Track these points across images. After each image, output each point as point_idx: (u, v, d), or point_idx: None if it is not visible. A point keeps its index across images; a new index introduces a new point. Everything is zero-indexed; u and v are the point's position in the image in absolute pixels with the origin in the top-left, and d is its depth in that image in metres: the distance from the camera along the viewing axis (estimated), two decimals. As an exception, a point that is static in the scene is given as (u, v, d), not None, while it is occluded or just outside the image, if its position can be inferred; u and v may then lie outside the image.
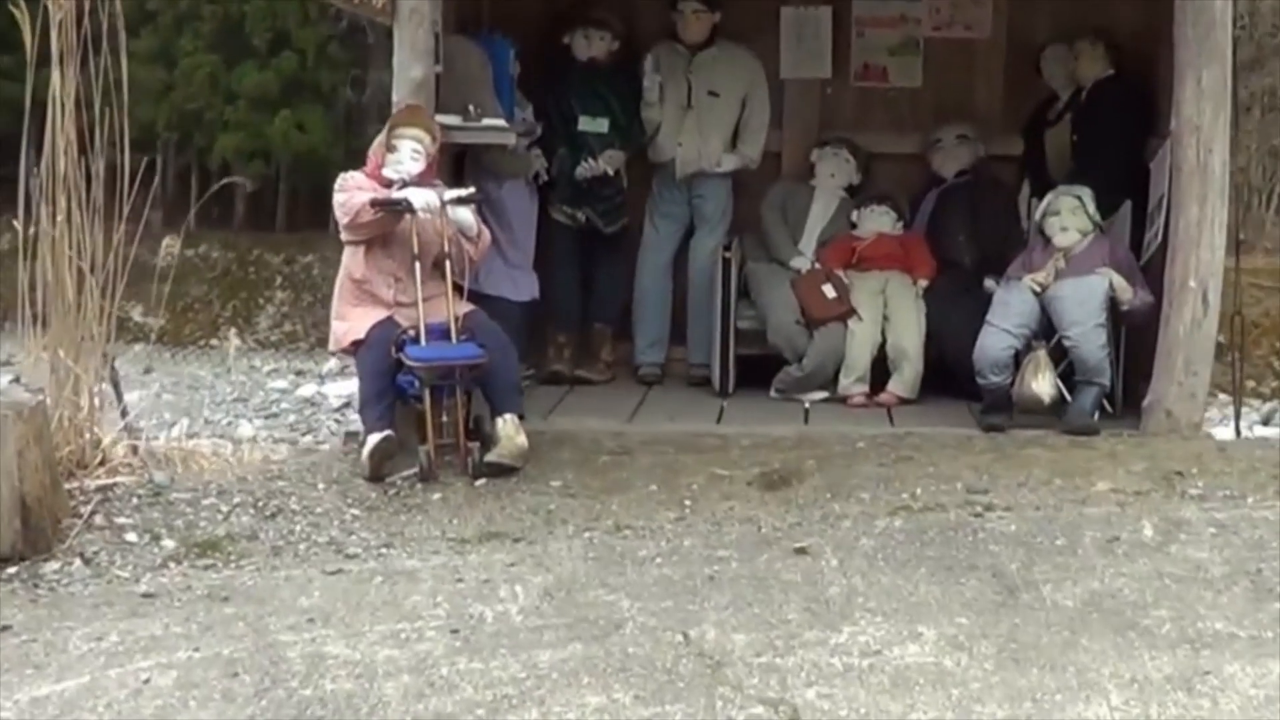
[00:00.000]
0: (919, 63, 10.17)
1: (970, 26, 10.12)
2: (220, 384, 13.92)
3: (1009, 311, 8.51)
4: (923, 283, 9.46)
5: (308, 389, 13.08)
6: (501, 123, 8.76)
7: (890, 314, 9.32)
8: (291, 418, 11.73)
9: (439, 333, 7.78)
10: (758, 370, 9.51)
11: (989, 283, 8.83)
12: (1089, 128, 9.29)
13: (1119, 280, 8.51)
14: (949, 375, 9.25)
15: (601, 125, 9.66)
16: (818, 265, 9.53)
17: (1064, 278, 8.59)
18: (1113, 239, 8.84)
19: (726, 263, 9.39)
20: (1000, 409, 8.49)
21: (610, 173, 9.65)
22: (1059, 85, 9.72)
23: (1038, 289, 8.56)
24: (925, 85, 10.18)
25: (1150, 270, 8.69)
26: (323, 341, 16.83)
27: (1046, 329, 8.54)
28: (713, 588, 6.25)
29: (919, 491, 7.34)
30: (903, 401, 9.24)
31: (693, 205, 9.90)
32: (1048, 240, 8.81)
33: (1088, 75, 9.41)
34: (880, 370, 9.33)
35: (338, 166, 16.85)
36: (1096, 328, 8.39)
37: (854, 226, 9.73)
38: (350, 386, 12.84)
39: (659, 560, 6.60)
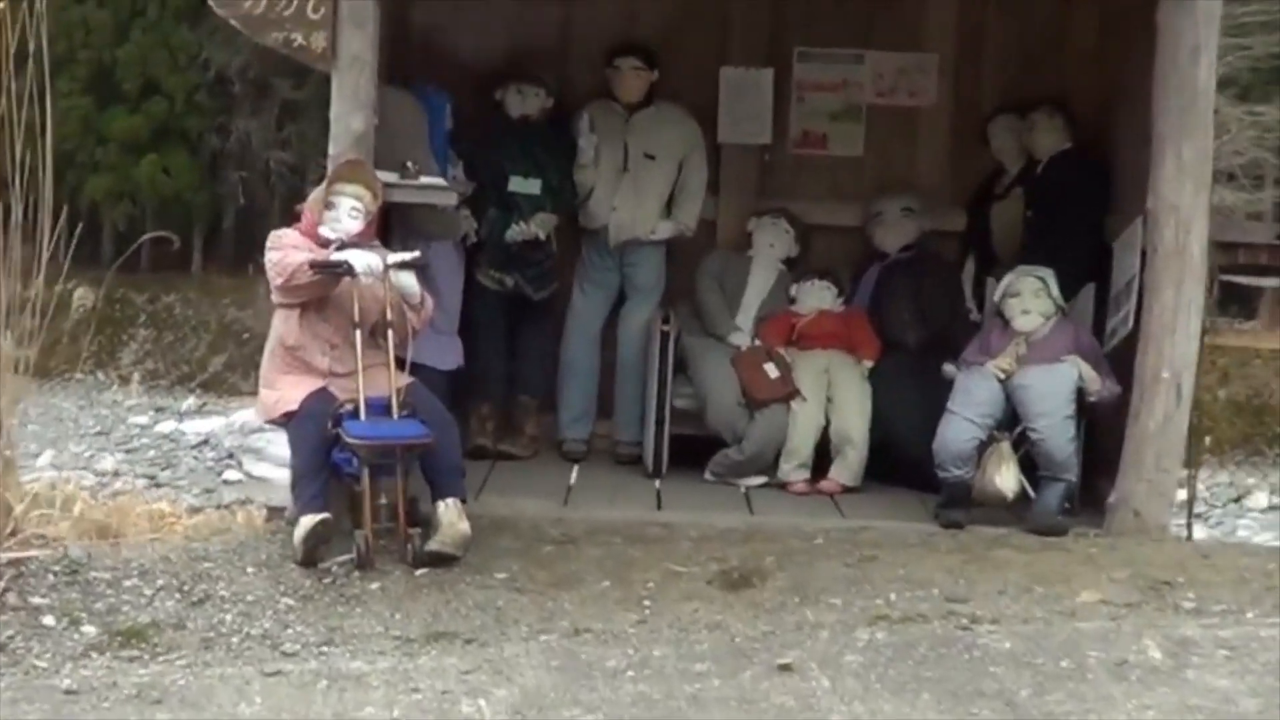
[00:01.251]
0: (861, 130, 9.77)
1: (915, 94, 9.74)
2: (84, 416, 13.72)
3: (971, 399, 8.10)
4: (867, 363, 9.04)
5: (167, 425, 13.21)
6: (441, 182, 8.25)
7: (834, 396, 8.88)
8: (151, 453, 11.81)
9: (379, 407, 7.25)
10: (690, 450, 9.04)
11: (948, 368, 8.41)
12: (1046, 203, 8.94)
13: (1088, 370, 8.14)
14: (893, 461, 8.84)
15: (533, 186, 9.15)
16: (758, 342, 9.07)
17: (1028, 364, 8.19)
18: (1076, 323, 8.46)
19: (664, 337, 8.91)
20: (960, 503, 8.08)
21: (541, 237, 9.15)
22: (1008, 157, 9.37)
23: (1002, 375, 8.15)
24: (867, 154, 9.79)
25: (1113, 358, 8.33)
26: (183, 379, 16.91)
27: (1010, 419, 8.13)
28: (698, 710, 5.79)
29: (894, 598, 6.89)
30: (846, 489, 8.81)
31: (625, 273, 9.42)
32: (1007, 323, 8.41)
33: (1044, 148, 9.06)
34: (822, 455, 8.87)
35: (202, 210, 17.23)
36: (1065, 420, 8.01)
37: (792, 301, 9.28)
38: (209, 424, 12.67)
39: (630, 673, 6.11)
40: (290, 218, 7.80)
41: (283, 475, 7.78)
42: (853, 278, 9.44)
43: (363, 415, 7.18)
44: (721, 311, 9.21)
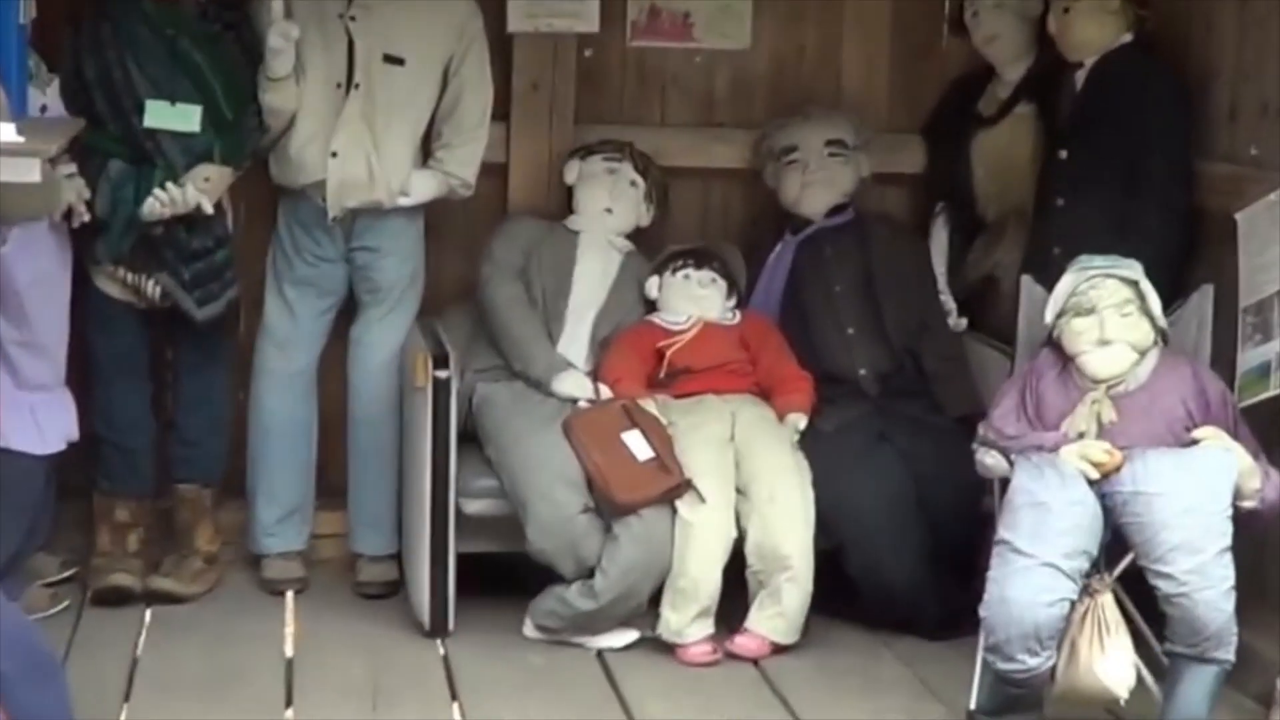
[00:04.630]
0: (747, 7, 5.83)
1: (834, -54, 5.85)
2: None
3: (1050, 525, 4.31)
4: (797, 419, 5.20)
5: None
6: (11, 132, 4.15)
7: (749, 485, 5.03)
8: None
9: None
10: (491, 569, 5.16)
11: (992, 461, 4.59)
12: (1098, 137, 5.18)
13: (1245, 458, 4.42)
14: (840, 576, 5.14)
15: (188, 118, 5.09)
16: (606, 388, 5.17)
17: (1125, 443, 4.45)
18: (1191, 361, 4.74)
19: (439, 389, 4.96)
20: (1031, 707, 4.35)
21: (205, 207, 5.08)
22: (1003, 53, 5.60)
23: (1095, 474, 4.39)
24: (759, 48, 5.86)
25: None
26: None
27: (1108, 548, 4.40)
28: None
29: None
30: (777, 649, 4.97)
31: (355, 266, 5.41)
32: (1065, 362, 4.65)
33: (1086, 41, 5.27)
34: (731, 585, 5.02)
35: None
36: (1220, 556, 4.28)
37: (651, 307, 5.39)
38: None
39: None
40: None
41: None
42: (750, 261, 5.58)
43: None
44: (534, 332, 5.31)
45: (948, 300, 5.55)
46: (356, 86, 5.28)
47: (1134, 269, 4.65)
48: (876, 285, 5.43)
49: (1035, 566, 4.25)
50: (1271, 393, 4.62)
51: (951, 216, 5.65)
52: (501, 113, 5.61)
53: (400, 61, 5.31)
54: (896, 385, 5.33)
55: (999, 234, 5.52)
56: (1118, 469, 4.38)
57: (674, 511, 4.93)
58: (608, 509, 4.93)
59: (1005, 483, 4.50)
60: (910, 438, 5.16)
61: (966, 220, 5.63)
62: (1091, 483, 4.39)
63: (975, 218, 5.62)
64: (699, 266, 5.40)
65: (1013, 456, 4.51)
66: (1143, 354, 4.61)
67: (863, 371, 5.34)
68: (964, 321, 5.55)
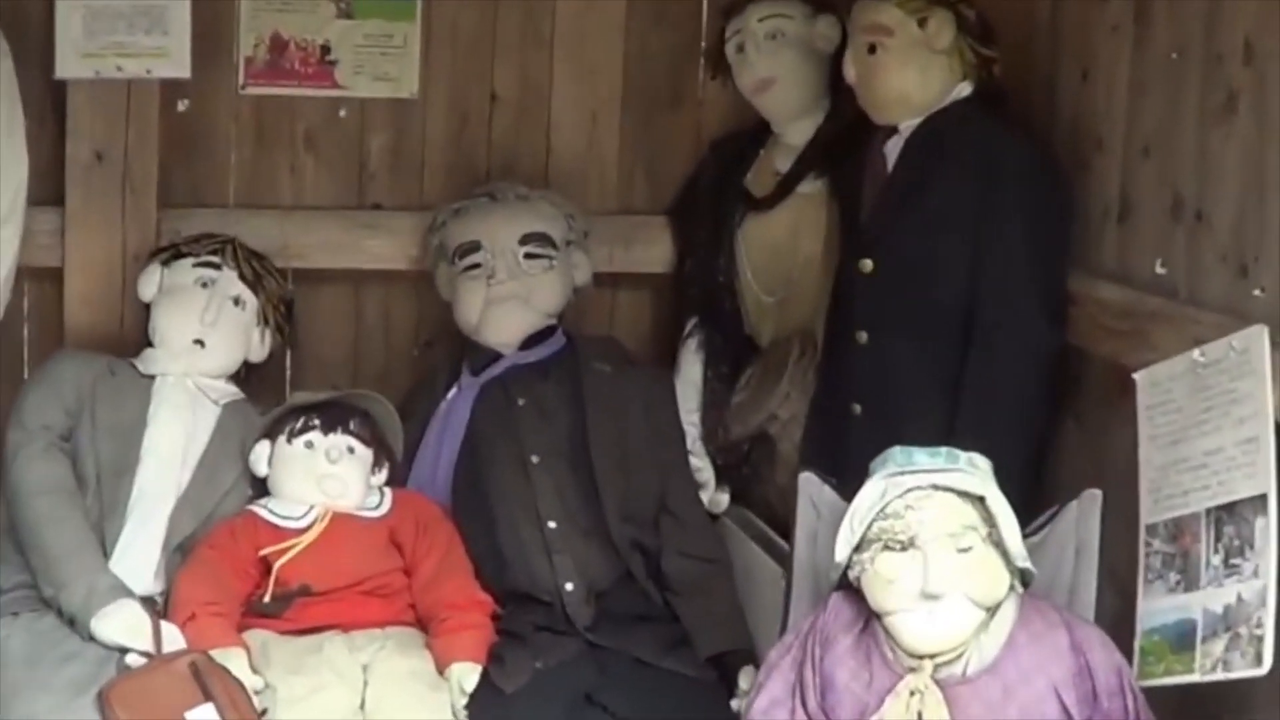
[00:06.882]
0: (415, 38, 4.10)
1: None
2: None
3: None
4: (464, 673, 3.43)
5: None
6: None
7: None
8: None
9: None
10: None
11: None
12: (915, 241, 3.50)
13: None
14: None
15: None
16: (173, 630, 3.39)
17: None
18: (1064, 614, 3.04)
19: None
20: None
21: None
22: (782, 107, 3.94)
23: (915, 839, 2.72)
24: (432, 98, 4.16)
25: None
26: None
27: None
28: None
29: None
30: None
31: None
32: (868, 618, 2.95)
33: (901, 96, 3.56)
34: None
35: None
36: None
37: (263, 489, 3.65)
38: None
39: None
40: None
41: None
42: (410, 413, 3.83)
43: None
44: (75, 540, 3.51)
45: (702, 468, 3.85)
46: None
47: (977, 473, 2.96)
48: (593, 451, 3.69)
49: None
50: (1194, 677, 2.91)
51: (709, 340, 3.95)
52: (52, 195, 3.88)
53: None
54: (619, 607, 3.60)
55: (777, 368, 3.83)
56: (947, 831, 2.70)
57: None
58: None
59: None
60: (637, 697, 3.41)
61: (730, 345, 3.95)
62: None
63: (743, 342, 3.95)
64: (329, 429, 3.62)
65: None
66: (991, 612, 2.91)
67: (569, 587, 3.59)
68: (725, 498, 3.87)
